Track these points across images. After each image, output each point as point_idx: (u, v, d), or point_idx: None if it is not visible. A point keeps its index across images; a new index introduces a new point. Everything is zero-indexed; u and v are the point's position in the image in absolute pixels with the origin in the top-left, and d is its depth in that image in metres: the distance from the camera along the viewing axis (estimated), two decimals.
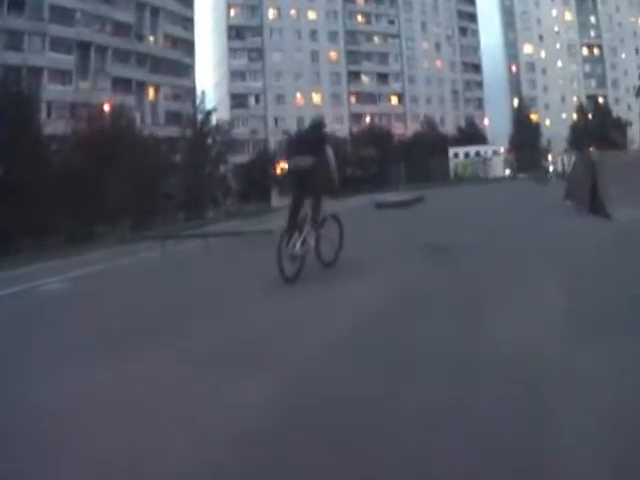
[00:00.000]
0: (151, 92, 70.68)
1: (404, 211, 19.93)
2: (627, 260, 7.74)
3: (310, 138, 9.10)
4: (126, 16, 67.75)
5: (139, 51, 69.22)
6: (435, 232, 12.99)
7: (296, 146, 9.83)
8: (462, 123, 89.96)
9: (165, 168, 50.92)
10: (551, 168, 60.96)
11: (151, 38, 71.89)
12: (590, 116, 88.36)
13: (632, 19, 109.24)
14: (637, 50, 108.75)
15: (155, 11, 71.82)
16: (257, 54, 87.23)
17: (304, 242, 8.35)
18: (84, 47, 63.40)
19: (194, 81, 76.39)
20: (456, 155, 72.65)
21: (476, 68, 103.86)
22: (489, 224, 14.25)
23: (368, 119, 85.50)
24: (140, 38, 70.09)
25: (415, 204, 22.12)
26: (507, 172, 78.78)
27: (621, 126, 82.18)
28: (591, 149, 38.48)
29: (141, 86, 69.08)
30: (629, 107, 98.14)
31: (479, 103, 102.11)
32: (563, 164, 65.01)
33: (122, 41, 66.77)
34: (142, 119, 65.48)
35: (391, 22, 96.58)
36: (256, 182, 61.79)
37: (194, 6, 79.72)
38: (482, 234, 11.99)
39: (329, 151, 8.97)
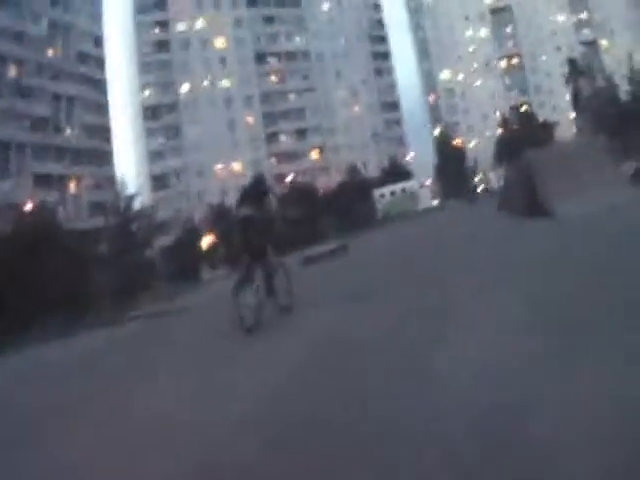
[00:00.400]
0: (72, 185, 71.78)
1: (331, 262, 20.00)
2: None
3: (252, 193, 9.84)
4: (43, 109, 69.10)
5: (58, 144, 70.23)
6: (364, 279, 11.97)
7: (241, 200, 10.45)
8: (386, 164, 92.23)
9: (93, 259, 53.29)
10: (481, 187, 61.74)
11: (68, 129, 73.22)
12: (515, 126, 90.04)
13: (551, 17, 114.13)
14: (558, 48, 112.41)
15: (70, 100, 73.15)
16: (174, 131, 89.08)
17: (258, 291, 8.81)
18: (3, 146, 64.39)
19: (114, 168, 77.92)
20: (382, 196, 73.27)
21: (394, 106, 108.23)
22: (422, 257, 13.44)
23: (290, 178, 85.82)
24: (58, 130, 71.36)
25: (341, 253, 22.59)
26: (435, 202, 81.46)
27: (548, 128, 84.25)
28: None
29: (62, 180, 70.04)
30: (554, 109, 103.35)
31: (401, 140, 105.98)
32: (488, 180, 67.67)
33: (40, 136, 67.75)
34: (66, 213, 66.57)
35: (305, 77, 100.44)
36: (185, 260, 63.07)
37: (107, 91, 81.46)
38: (417, 267, 11.58)
39: (272, 204, 10.02)
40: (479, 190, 78.92)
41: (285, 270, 9.71)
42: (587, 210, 10.83)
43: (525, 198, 14.10)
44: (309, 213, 69.39)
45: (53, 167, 68.92)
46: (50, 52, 72.55)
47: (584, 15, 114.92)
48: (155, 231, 63.06)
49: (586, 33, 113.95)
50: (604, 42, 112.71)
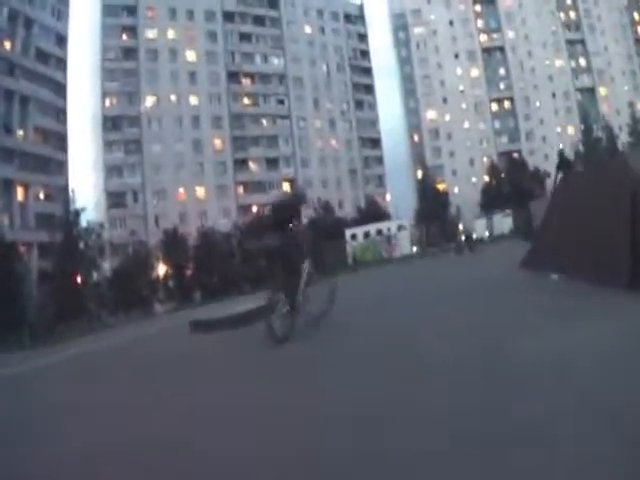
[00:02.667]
0: (20, 191, 70.26)
1: (246, 331, 11.07)
2: None
3: (279, 216, 9.75)
4: None
5: (7, 146, 68.75)
6: None
7: (266, 224, 10.62)
8: (362, 203, 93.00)
9: (32, 276, 52.28)
10: (463, 237, 59.81)
11: (20, 131, 71.92)
12: (503, 175, 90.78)
13: (547, 62, 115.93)
14: (554, 94, 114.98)
15: (24, 100, 71.94)
16: (135, 146, 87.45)
17: (293, 302, 9.04)
18: None
19: (67, 179, 76.17)
20: (354, 236, 70.00)
21: (375, 143, 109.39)
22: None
23: (257, 210, 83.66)
24: (8, 131, 69.86)
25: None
26: (415, 249, 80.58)
27: (538, 178, 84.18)
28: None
29: (9, 185, 68.56)
30: (546, 157, 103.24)
31: (380, 180, 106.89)
32: (469, 232, 66.93)
33: None
34: (10, 221, 66.19)
35: (280, 102, 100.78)
36: (134, 287, 61.16)
37: (67, 96, 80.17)
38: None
39: (301, 227, 10.20)
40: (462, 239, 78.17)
41: (331, 286, 10.22)
42: None
43: (624, 253, 7.59)
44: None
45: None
46: (7, 45, 71.45)
47: (583, 61, 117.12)
48: (103, 251, 61.60)
49: (584, 79, 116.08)
50: (602, 89, 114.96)
